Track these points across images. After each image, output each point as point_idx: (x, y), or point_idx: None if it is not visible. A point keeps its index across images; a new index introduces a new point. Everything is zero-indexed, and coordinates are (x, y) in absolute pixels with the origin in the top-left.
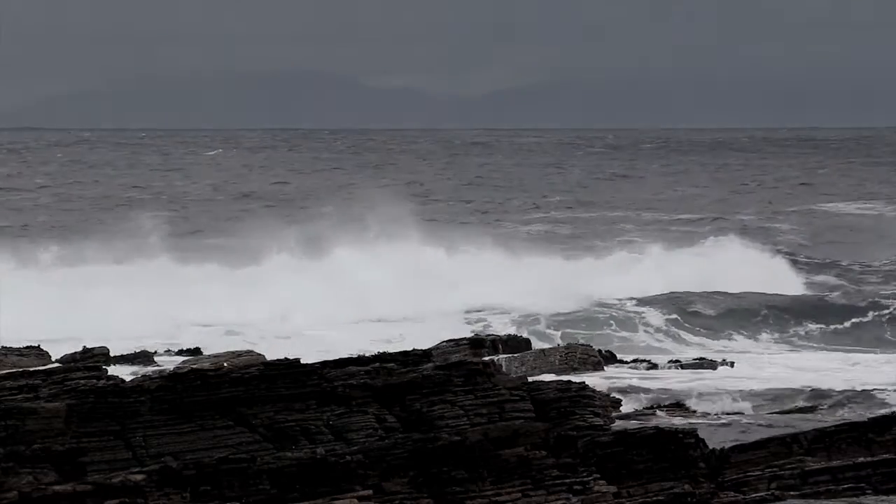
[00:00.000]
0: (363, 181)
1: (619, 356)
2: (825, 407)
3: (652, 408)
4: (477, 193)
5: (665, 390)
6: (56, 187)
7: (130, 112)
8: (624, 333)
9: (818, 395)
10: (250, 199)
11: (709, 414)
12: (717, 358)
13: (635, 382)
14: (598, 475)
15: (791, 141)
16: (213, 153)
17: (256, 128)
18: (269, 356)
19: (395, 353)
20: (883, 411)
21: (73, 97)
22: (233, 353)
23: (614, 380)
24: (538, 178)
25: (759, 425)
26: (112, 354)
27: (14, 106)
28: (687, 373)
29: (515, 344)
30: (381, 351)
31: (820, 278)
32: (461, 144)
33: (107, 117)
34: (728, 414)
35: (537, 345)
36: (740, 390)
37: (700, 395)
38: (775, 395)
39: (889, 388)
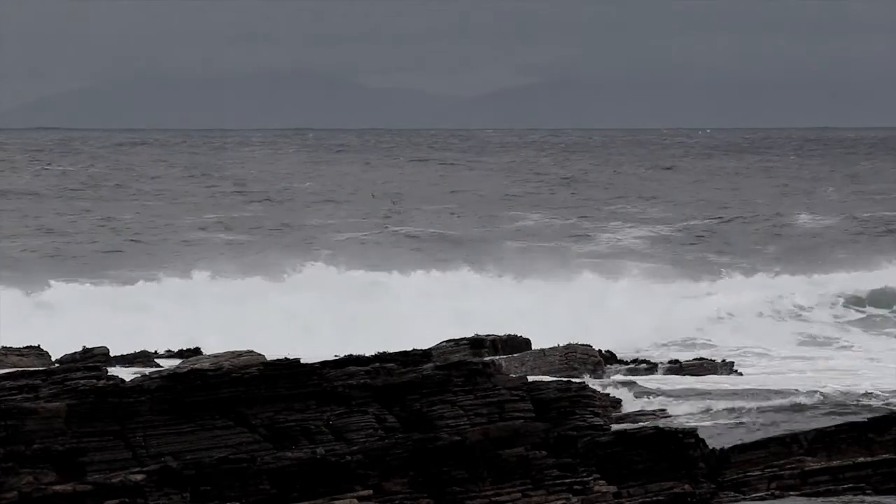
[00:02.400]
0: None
1: (619, 356)
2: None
3: (653, 413)
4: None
5: (665, 391)
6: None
7: (130, 112)
8: None
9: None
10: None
11: (709, 412)
12: None
13: (634, 383)
14: (598, 475)
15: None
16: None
17: (258, 128)
18: None
19: (395, 353)
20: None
21: (65, 96)
22: (233, 353)
23: (614, 380)
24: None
25: (760, 425)
26: (112, 354)
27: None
28: (687, 373)
29: (515, 344)
30: (380, 351)
31: None
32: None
33: (106, 117)
34: (729, 410)
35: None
36: (738, 392)
37: (700, 395)
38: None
39: None
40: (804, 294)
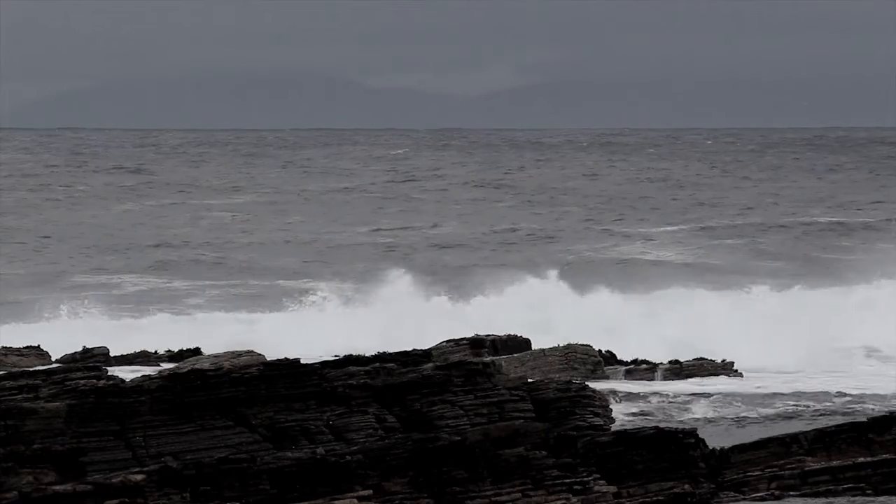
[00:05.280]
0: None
1: (618, 356)
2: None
3: (652, 412)
4: None
5: (664, 392)
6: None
7: (131, 113)
8: None
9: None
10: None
11: (709, 411)
12: None
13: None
14: (598, 475)
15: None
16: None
17: (258, 128)
18: None
19: (395, 354)
20: None
21: (64, 97)
22: (233, 353)
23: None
24: None
25: (760, 425)
26: (112, 354)
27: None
28: (686, 374)
29: (515, 344)
30: (380, 351)
31: None
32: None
33: (107, 117)
34: (729, 410)
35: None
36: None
37: (700, 395)
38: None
39: None
40: None
